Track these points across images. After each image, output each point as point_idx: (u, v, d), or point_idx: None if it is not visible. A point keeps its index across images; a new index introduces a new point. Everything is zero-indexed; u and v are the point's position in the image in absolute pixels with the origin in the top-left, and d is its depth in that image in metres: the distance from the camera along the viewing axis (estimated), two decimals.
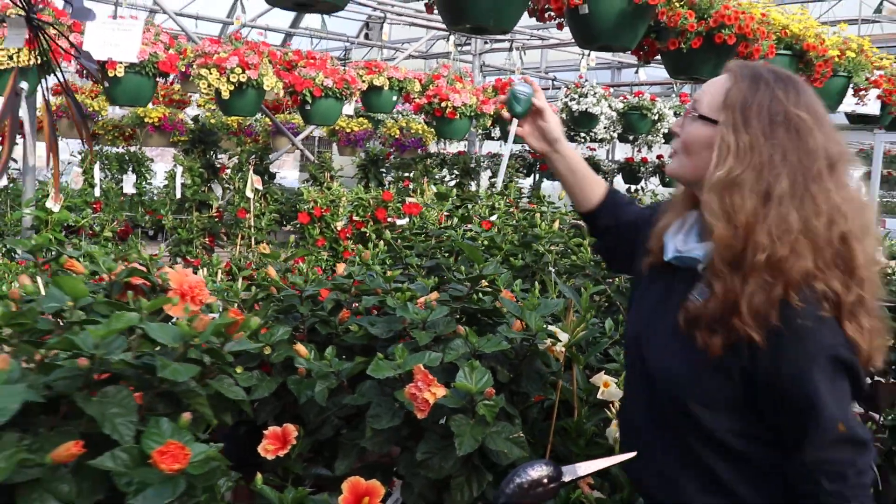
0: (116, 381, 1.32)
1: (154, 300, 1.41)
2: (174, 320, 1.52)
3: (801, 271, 1.26)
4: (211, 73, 4.70)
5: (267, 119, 6.62)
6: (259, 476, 1.71)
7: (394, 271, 2.36)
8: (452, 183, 7.02)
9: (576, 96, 7.09)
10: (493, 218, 5.63)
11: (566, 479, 1.37)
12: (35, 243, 1.78)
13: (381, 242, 2.98)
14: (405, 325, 2.08)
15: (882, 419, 3.66)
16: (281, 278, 2.33)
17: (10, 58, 3.82)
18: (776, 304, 1.25)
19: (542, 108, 1.71)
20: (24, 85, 1.96)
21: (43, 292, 1.85)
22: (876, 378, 3.84)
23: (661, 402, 1.41)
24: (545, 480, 1.34)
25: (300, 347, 2.08)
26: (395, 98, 6.05)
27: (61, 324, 1.36)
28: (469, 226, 4.21)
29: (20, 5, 1.78)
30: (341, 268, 2.48)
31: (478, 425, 1.62)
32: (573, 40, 2.91)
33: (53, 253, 2.03)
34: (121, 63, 4.39)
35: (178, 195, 5.21)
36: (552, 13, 2.75)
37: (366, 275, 2.44)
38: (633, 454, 1.42)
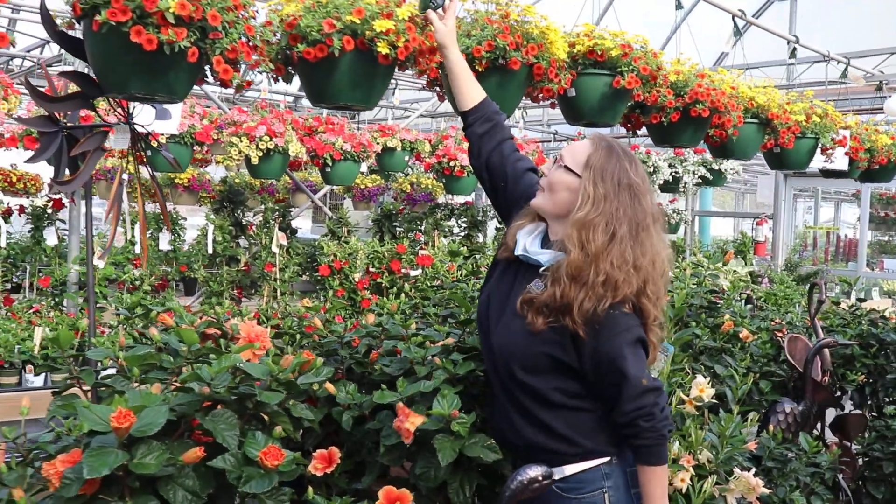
0: (215, 405, 1.77)
1: (240, 346, 1.86)
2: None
3: (628, 291, 1.81)
4: (241, 141, 5.21)
5: (287, 177, 7.11)
6: (310, 489, 2.14)
7: (411, 320, 2.81)
8: (461, 234, 7.47)
9: None
10: None
11: (556, 476, 1.81)
12: (132, 300, 2.23)
13: (402, 295, 3.43)
14: (412, 363, 2.52)
15: (854, 448, 4.06)
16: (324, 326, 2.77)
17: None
18: (602, 311, 1.78)
19: (444, 16, 2.26)
20: (125, 176, 2.43)
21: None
22: (849, 411, 4.25)
23: (498, 366, 1.93)
24: (540, 478, 1.77)
25: (329, 385, 2.52)
26: (406, 158, 6.56)
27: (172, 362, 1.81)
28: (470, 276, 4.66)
29: (122, 115, 2.26)
30: (371, 318, 2.91)
31: (456, 440, 1.98)
32: None
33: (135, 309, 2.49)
34: (163, 135, 4.90)
35: (210, 251, 5.68)
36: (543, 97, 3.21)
37: (390, 323, 2.88)
38: (606, 459, 1.86)
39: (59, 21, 2.01)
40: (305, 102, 11.45)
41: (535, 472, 1.77)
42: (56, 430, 1.81)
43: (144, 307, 2.31)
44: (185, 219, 6.41)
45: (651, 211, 1.89)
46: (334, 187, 8.34)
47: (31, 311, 4.83)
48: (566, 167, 1.91)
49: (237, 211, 5.98)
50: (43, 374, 4.34)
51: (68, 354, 1.76)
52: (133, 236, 5.40)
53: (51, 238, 5.43)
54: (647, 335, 1.89)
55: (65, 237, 5.50)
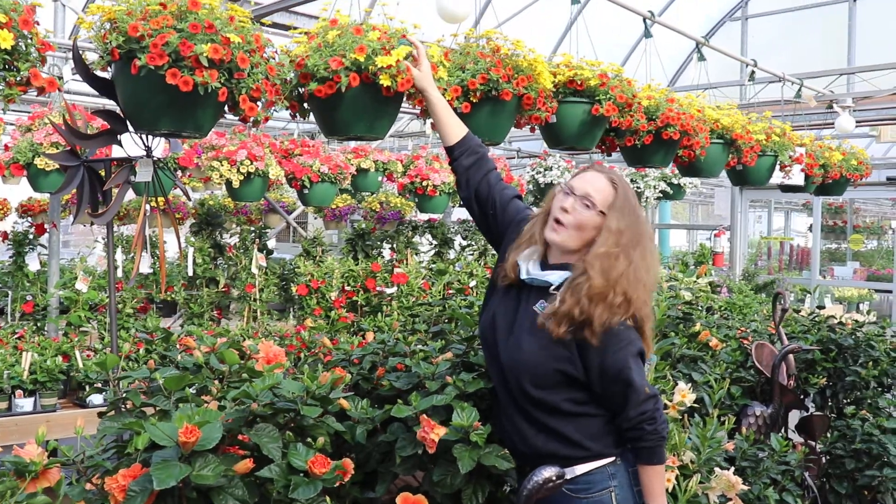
0: (255, 421, 1.90)
1: (272, 365, 2.00)
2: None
3: (642, 305, 2.04)
4: (222, 165, 5.31)
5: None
6: (328, 498, 2.28)
7: (413, 337, 2.96)
8: (431, 252, 7.63)
9: (541, 169, 7.82)
10: (472, 284, 6.26)
11: (568, 476, 1.98)
12: (152, 324, 2.35)
13: (395, 313, 3.59)
14: (420, 378, 2.67)
15: (818, 447, 4.31)
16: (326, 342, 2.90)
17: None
18: (616, 323, 2.00)
19: (418, 61, 2.46)
20: (148, 207, 2.56)
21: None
22: (812, 413, 4.50)
23: (509, 382, 2.11)
24: (554, 478, 1.95)
25: (343, 401, 2.66)
26: (379, 178, 6.71)
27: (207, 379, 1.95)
28: (455, 294, 4.83)
29: (144, 149, 2.40)
30: (371, 336, 3.06)
31: (473, 450, 2.12)
32: None
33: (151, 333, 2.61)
34: None
35: (191, 273, 5.76)
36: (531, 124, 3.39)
37: (392, 341, 3.03)
38: (611, 459, 2.04)
39: (90, 64, 2.14)
40: (271, 123, 11.54)
41: (549, 472, 1.94)
42: (85, 449, 1.93)
43: (164, 331, 2.43)
44: (166, 241, 6.47)
45: (649, 232, 2.14)
46: (304, 208, 8.44)
47: (16, 336, 4.87)
48: (600, 211, 2.08)
49: (216, 233, 6.07)
50: (32, 399, 4.39)
51: (115, 378, 1.89)
52: (115, 261, 5.44)
53: (33, 263, 5.46)
54: (645, 342, 2.09)
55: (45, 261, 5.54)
